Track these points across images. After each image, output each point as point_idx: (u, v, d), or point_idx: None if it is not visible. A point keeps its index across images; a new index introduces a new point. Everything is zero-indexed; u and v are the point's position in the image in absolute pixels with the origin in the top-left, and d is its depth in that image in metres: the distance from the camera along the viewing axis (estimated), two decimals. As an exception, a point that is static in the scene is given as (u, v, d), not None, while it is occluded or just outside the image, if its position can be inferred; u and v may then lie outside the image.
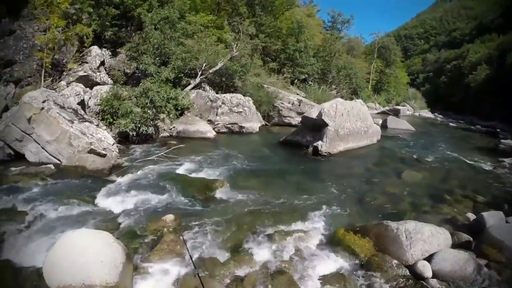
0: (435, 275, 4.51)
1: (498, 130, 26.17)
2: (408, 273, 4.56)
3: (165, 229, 5.17)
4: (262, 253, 4.83)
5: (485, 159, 13.23)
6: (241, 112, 14.74)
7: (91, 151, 7.89)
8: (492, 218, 5.96)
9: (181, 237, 4.92)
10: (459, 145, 17.05)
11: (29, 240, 4.53)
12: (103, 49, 14.08)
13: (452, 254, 4.75)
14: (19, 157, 7.56)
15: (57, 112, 8.08)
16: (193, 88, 14.66)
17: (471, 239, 5.50)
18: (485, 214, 6.09)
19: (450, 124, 32.52)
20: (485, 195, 8.39)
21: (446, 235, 5.23)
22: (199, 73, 15.10)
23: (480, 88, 37.60)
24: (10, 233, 4.60)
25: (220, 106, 14.41)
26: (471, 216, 6.67)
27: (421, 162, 11.89)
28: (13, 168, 7.01)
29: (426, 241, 4.92)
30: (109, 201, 6.06)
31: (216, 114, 14.23)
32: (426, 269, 4.53)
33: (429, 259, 4.72)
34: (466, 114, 38.41)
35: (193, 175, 8.09)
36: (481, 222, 5.96)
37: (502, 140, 20.25)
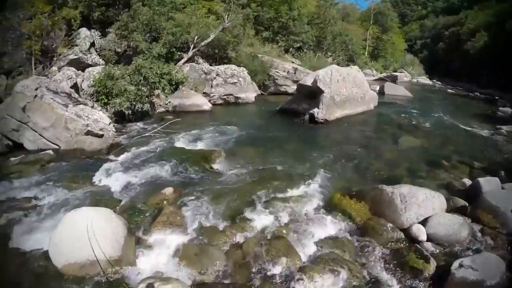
0: (429, 239, 4.61)
1: (497, 97, 26.00)
2: (403, 236, 4.68)
3: (164, 202, 5.29)
4: (260, 220, 4.95)
5: (483, 126, 13.28)
6: (236, 83, 14.57)
7: (88, 133, 7.83)
8: (488, 184, 5.87)
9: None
10: (457, 111, 17.00)
11: (34, 225, 4.59)
12: (92, 30, 13.62)
13: (447, 218, 4.84)
14: (17, 147, 7.46)
15: (51, 98, 7.93)
16: (186, 62, 14.37)
17: (467, 204, 5.55)
18: (481, 180, 6.00)
19: (448, 90, 32.31)
20: (482, 161, 8.41)
21: (441, 199, 5.30)
22: (191, 46, 14.75)
23: (478, 55, 36.72)
24: (16, 222, 4.64)
25: (215, 78, 14.21)
26: (467, 181, 6.67)
27: (419, 128, 11.93)
28: (12, 158, 6.95)
29: (420, 205, 5.00)
30: (109, 180, 6.09)
31: (211, 86, 14.04)
32: (420, 232, 4.63)
33: (423, 222, 4.81)
34: (464, 81, 37.89)
35: (191, 147, 8.11)
36: (477, 187, 5.89)
37: (500, 108, 20.27)
